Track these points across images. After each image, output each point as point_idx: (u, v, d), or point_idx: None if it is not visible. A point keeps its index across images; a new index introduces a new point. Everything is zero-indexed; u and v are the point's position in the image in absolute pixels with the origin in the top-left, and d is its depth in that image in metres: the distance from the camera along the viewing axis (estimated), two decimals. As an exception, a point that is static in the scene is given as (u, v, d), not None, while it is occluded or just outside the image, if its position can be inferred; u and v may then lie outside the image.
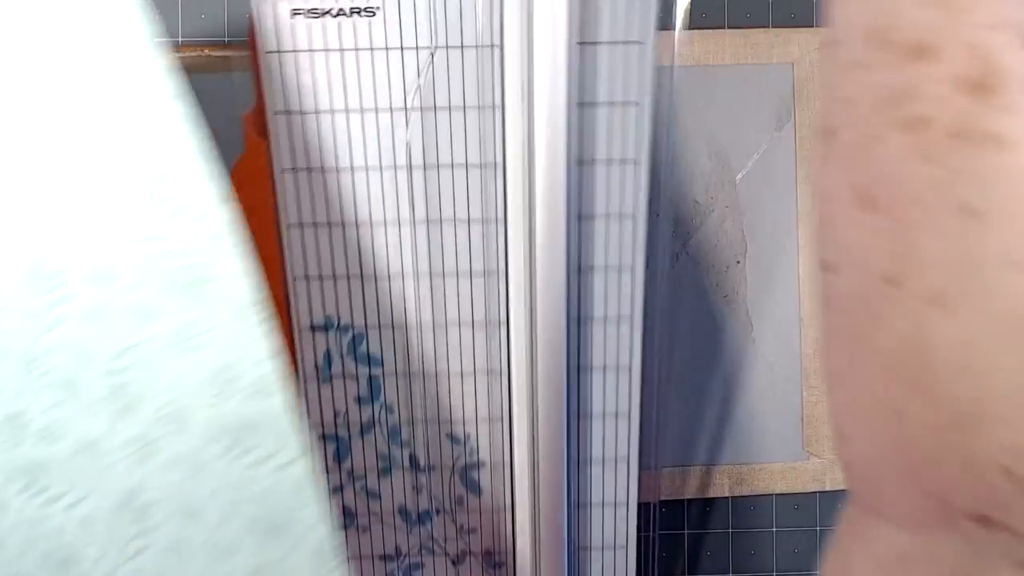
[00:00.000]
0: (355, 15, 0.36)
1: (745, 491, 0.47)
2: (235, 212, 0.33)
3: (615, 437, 0.41)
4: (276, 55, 0.36)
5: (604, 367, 0.40)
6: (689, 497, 0.46)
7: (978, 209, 0.18)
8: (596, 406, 0.40)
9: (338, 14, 0.36)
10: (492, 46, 0.37)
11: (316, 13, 0.36)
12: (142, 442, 0.35)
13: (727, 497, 0.46)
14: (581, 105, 0.37)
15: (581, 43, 0.36)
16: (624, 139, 0.38)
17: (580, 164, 0.37)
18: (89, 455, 0.35)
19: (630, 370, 0.40)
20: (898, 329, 0.20)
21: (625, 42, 0.36)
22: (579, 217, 0.38)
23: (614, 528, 0.42)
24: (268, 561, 0.36)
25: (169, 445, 0.35)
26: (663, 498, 0.45)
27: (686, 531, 0.46)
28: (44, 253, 0.33)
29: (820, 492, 0.47)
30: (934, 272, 0.19)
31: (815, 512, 0.47)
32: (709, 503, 0.46)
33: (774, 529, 0.47)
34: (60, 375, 0.34)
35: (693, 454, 0.45)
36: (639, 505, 0.44)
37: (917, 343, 0.19)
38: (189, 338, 0.34)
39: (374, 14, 0.36)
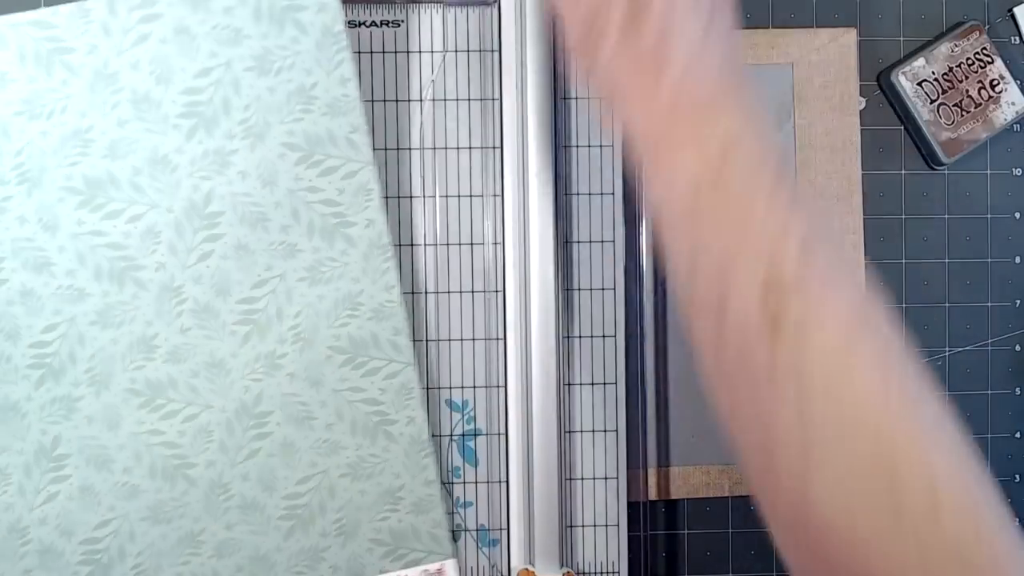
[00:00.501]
0: (384, 26, 0.44)
1: (745, 491, 0.46)
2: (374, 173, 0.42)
3: (603, 409, 0.44)
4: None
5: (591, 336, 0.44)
6: (689, 497, 0.46)
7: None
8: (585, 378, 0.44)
9: (371, 25, 0.44)
10: (492, 51, 0.44)
11: (354, 24, 0.43)
12: (268, 359, 0.42)
13: (727, 497, 0.46)
14: (565, 99, 0.44)
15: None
16: (602, 127, 0.44)
17: (565, 148, 0.44)
18: (212, 374, 0.42)
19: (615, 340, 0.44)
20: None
21: None
22: (566, 194, 0.43)
23: (605, 503, 0.44)
24: (368, 455, 0.43)
25: (293, 361, 0.42)
26: (663, 498, 0.46)
27: (686, 531, 0.46)
28: (204, 195, 0.41)
29: (819, 493, 0.47)
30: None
31: (814, 513, 0.47)
32: (709, 503, 0.46)
33: (774, 529, 0.47)
34: (196, 304, 0.41)
35: (693, 454, 0.46)
36: (641, 504, 0.45)
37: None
38: (323, 272, 0.42)
39: (399, 26, 0.44)
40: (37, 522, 0.40)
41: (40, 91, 0.39)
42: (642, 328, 0.45)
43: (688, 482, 0.46)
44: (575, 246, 0.44)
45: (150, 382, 0.41)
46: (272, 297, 0.41)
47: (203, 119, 0.41)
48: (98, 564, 0.41)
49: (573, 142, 0.44)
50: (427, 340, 0.44)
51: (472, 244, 0.44)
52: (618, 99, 0.31)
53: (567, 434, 0.44)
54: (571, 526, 0.44)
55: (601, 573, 0.44)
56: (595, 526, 0.44)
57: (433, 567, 0.43)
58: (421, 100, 0.44)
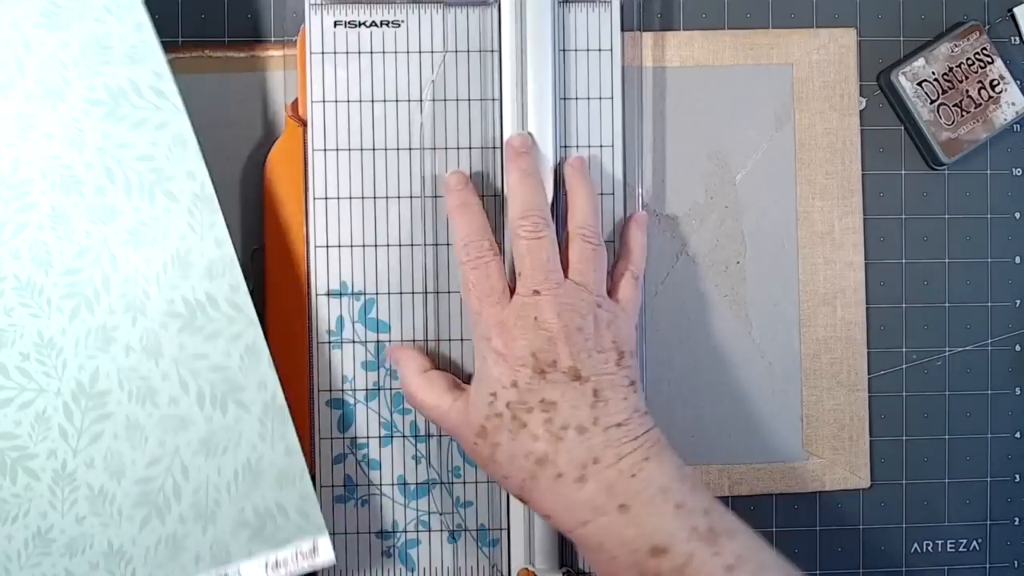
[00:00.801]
0: (384, 26, 0.44)
1: (745, 491, 0.46)
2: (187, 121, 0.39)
3: None
4: (320, 55, 0.44)
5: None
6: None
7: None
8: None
9: (371, 25, 0.44)
10: (492, 51, 0.44)
11: (354, 24, 0.43)
12: (101, 332, 0.39)
13: (727, 497, 0.46)
14: (564, 99, 0.44)
15: (563, 49, 0.44)
16: (601, 128, 0.44)
17: (565, 148, 0.44)
18: (44, 354, 0.39)
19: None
20: None
21: (598, 50, 0.44)
22: (566, 193, 0.43)
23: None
24: (219, 427, 0.40)
25: (127, 332, 0.39)
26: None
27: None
28: (12, 162, 0.39)
29: (820, 492, 0.46)
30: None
31: (815, 512, 0.47)
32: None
33: (774, 529, 0.47)
34: (20, 280, 0.39)
35: (693, 454, 0.46)
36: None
37: None
38: (147, 232, 0.39)
39: (399, 26, 0.43)
40: None
41: None
42: (642, 328, 0.45)
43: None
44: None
45: None
46: (96, 266, 0.39)
47: None
48: None
49: (573, 142, 0.44)
50: (427, 339, 0.44)
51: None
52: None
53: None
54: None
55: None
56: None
57: (305, 545, 0.39)
58: (421, 100, 0.43)
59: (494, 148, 0.44)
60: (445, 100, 0.44)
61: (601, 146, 0.44)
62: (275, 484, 0.39)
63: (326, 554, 0.39)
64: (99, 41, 0.39)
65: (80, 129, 0.39)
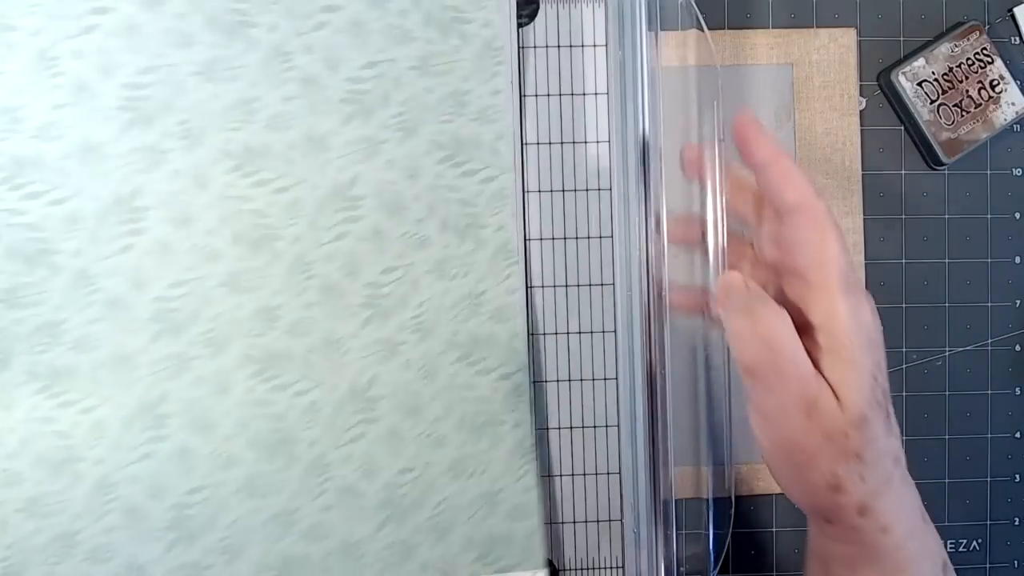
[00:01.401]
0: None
1: (745, 491, 0.47)
2: (511, 181, 0.44)
3: (604, 405, 0.45)
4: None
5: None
6: (688, 497, 0.46)
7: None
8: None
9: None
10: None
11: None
12: (386, 345, 0.43)
13: (727, 497, 0.46)
14: (560, 96, 0.44)
15: (559, 46, 0.45)
16: (598, 124, 0.45)
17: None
18: (329, 351, 0.42)
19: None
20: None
21: (592, 45, 0.45)
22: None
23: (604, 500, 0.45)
24: (471, 453, 0.43)
25: (410, 350, 0.43)
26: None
27: (685, 531, 0.46)
28: (350, 178, 0.43)
29: (819, 493, 0.47)
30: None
31: (814, 513, 0.47)
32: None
33: (774, 529, 0.47)
34: (325, 281, 0.42)
35: (693, 454, 0.46)
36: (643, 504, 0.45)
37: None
38: (450, 267, 0.43)
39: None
40: (128, 480, 0.41)
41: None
42: (645, 326, 0.45)
43: (687, 482, 0.46)
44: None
45: (267, 352, 0.42)
46: (398, 284, 0.43)
47: (363, 107, 0.43)
48: (184, 531, 0.41)
49: (570, 139, 0.44)
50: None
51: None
52: None
53: (560, 430, 0.45)
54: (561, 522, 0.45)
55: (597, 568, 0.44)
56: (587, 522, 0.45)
57: None
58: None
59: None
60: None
61: (597, 142, 0.44)
62: (508, 515, 0.43)
63: None
64: (458, 96, 0.43)
65: (419, 164, 0.43)
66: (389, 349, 0.42)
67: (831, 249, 0.33)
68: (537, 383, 0.45)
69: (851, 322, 0.33)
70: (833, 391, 0.33)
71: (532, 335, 0.44)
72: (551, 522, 0.45)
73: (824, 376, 0.33)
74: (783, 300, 0.35)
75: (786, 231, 0.35)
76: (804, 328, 0.34)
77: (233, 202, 0.41)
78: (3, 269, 0.40)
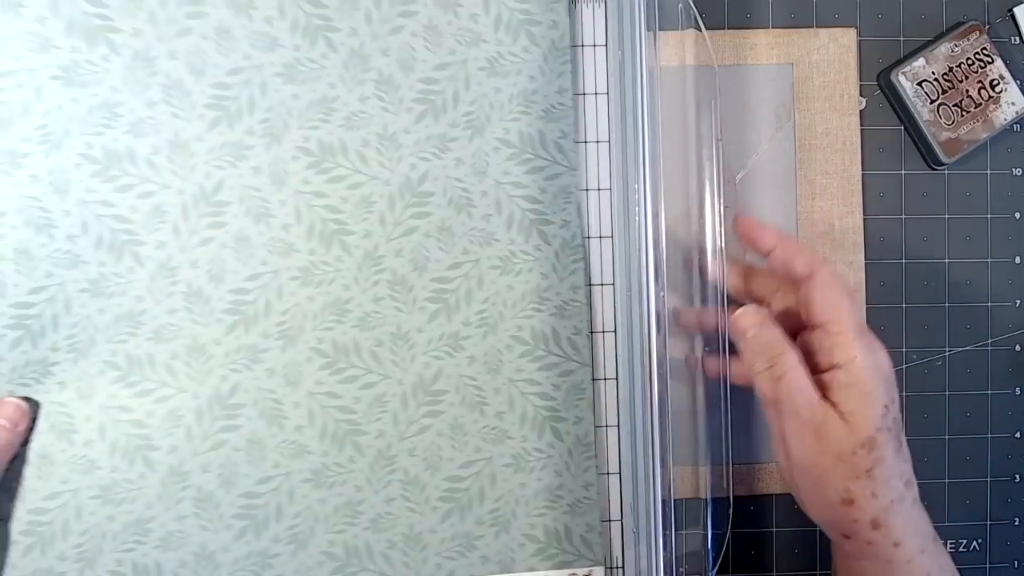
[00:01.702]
0: None
1: (745, 491, 0.47)
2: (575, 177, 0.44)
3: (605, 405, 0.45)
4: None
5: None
6: (688, 497, 0.46)
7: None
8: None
9: None
10: None
11: None
12: (452, 339, 0.43)
13: (727, 497, 0.46)
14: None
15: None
16: (598, 123, 0.45)
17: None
18: (396, 345, 0.43)
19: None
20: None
21: (592, 45, 0.44)
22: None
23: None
24: (532, 448, 0.44)
25: (475, 345, 0.44)
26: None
27: (684, 531, 0.46)
28: (420, 175, 0.44)
29: (819, 493, 0.47)
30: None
31: (815, 513, 0.47)
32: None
33: (774, 529, 0.47)
34: (394, 276, 0.43)
35: (693, 454, 0.46)
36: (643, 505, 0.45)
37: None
38: (515, 263, 0.44)
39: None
40: (200, 468, 0.41)
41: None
42: (647, 326, 0.44)
43: (688, 482, 0.46)
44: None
45: (336, 344, 0.42)
46: (464, 280, 0.43)
47: (433, 107, 0.43)
48: (253, 520, 0.42)
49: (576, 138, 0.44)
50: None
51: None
52: None
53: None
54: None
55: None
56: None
57: (582, 572, 0.44)
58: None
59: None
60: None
61: (597, 142, 0.45)
62: (569, 510, 0.44)
63: None
64: (527, 96, 0.44)
65: (486, 161, 0.44)
66: (454, 344, 0.43)
67: (843, 303, 0.39)
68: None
69: (867, 360, 0.38)
70: (844, 416, 0.38)
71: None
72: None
73: (838, 405, 0.38)
74: (808, 349, 0.40)
75: (803, 294, 0.40)
76: (828, 369, 0.39)
77: (308, 197, 0.42)
78: (91, 259, 0.40)
